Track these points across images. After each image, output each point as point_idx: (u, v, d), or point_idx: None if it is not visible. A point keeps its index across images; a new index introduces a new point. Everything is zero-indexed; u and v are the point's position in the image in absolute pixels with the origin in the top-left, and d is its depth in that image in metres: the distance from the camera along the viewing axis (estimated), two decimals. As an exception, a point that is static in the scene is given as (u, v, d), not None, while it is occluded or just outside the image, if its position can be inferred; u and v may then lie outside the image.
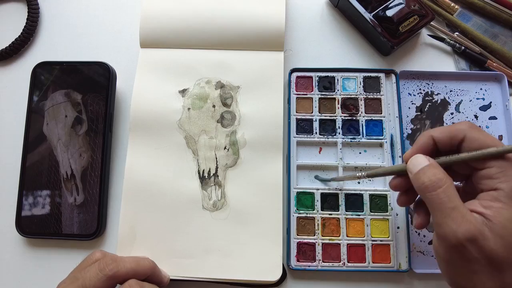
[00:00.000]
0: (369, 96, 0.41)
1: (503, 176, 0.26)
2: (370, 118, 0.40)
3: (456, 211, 0.25)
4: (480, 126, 0.41)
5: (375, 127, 0.40)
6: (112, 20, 0.46)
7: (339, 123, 0.40)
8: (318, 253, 0.37)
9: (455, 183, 0.28)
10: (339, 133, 0.40)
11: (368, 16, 0.41)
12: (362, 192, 0.38)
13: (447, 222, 0.25)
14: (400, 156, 0.39)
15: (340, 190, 0.39)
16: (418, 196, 0.31)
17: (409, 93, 0.42)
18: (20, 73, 0.44)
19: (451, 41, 0.44)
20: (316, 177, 0.39)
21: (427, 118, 0.41)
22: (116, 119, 0.42)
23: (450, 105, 0.42)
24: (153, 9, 0.42)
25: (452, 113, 0.42)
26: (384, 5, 0.41)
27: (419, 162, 0.28)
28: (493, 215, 0.25)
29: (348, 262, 0.37)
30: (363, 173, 0.34)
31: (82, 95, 0.41)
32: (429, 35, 0.44)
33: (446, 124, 0.41)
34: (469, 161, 0.28)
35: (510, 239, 0.25)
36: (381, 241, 0.37)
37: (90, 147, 0.40)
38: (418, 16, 0.41)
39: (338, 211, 0.38)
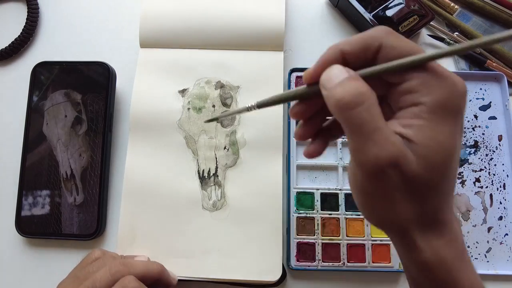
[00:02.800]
0: (369, 96, 0.41)
1: (425, 88, 0.21)
2: (370, 118, 0.40)
3: (378, 132, 0.21)
4: (479, 126, 0.41)
5: (375, 127, 0.40)
6: (112, 20, 0.46)
7: (339, 123, 0.40)
8: (318, 253, 0.37)
9: None
10: (339, 133, 0.40)
11: (368, 16, 0.41)
12: (362, 192, 0.38)
13: (367, 146, 0.21)
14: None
15: (340, 190, 0.39)
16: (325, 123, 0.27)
17: (409, 93, 0.42)
18: (20, 73, 0.44)
19: (451, 41, 0.44)
20: (206, 121, 0.34)
21: (427, 118, 0.41)
22: (116, 119, 0.42)
23: (450, 105, 0.42)
24: (153, 9, 0.42)
25: (452, 113, 0.42)
26: (384, 5, 0.41)
27: (336, 75, 0.22)
28: (414, 134, 0.21)
29: (348, 262, 0.37)
30: (254, 104, 0.27)
31: (82, 95, 0.41)
32: (429, 35, 0.44)
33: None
34: (386, 73, 0.22)
35: (433, 160, 0.21)
36: (381, 241, 0.37)
37: (90, 147, 0.40)
38: (418, 16, 0.41)
39: (338, 211, 0.38)
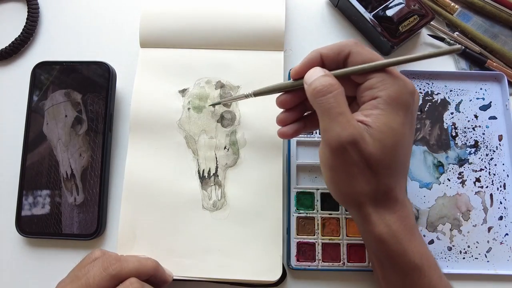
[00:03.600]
0: (369, 96, 0.41)
1: (382, 85, 0.28)
2: (370, 118, 0.40)
3: (342, 116, 0.27)
4: (480, 126, 0.41)
5: (375, 127, 0.40)
6: (112, 20, 0.46)
7: (339, 123, 0.40)
8: (318, 253, 0.37)
9: None
10: (339, 133, 0.40)
11: (368, 16, 0.41)
12: (362, 192, 0.38)
13: (333, 127, 0.27)
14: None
15: (340, 190, 0.39)
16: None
17: (409, 93, 0.42)
18: (20, 73, 0.44)
19: (451, 41, 0.44)
20: (210, 105, 0.40)
21: (427, 117, 0.41)
22: (116, 119, 0.42)
23: (450, 104, 0.42)
24: (153, 9, 0.42)
25: (452, 113, 0.42)
26: (384, 5, 0.41)
27: (316, 73, 0.29)
28: (372, 121, 0.27)
29: (348, 262, 0.37)
30: (251, 92, 0.34)
31: (82, 95, 0.41)
32: (429, 35, 0.44)
33: (446, 124, 0.41)
34: (354, 74, 0.29)
35: (386, 142, 0.27)
36: (381, 241, 0.37)
37: (90, 147, 0.40)
38: (418, 16, 0.41)
39: (338, 211, 0.38)
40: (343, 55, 0.29)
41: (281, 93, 0.33)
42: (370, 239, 0.29)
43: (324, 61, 0.30)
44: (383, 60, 0.29)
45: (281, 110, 0.34)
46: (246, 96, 0.34)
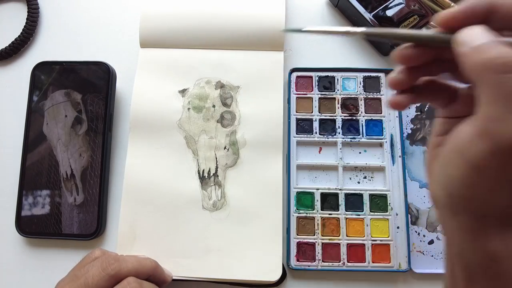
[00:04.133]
0: (369, 96, 0.41)
1: None
2: (370, 118, 0.40)
3: None
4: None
5: (375, 127, 0.40)
6: (112, 20, 0.46)
7: (339, 123, 0.40)
8: (318, 253, 0.37)
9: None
10: (339, 133, 0.40)
11: (368, 16, 0.41)
12: (362, 192, 0.38)
13: (510, 118, 0.18)
14: (400, 156, 0.39)
15: (340, 190, 0.39)
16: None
17: (409, 93, 0.42)
18: (20, 73, 0.44)
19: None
20: (286, 30, 0.32)
21: (427, 118, 0.41)
22: (116, 119, 0.42)
23: (450, 105, 0.42)
24: (153, 9, 0.42)
25: (452, 113, 0.42)
26: (384, 5, 0.41)
27: (479, 36, 0.19)
28: None
29: (348, 262, 0.37)
30: (360, 30, 0.23)
31: (82, 95, 0.41)
32: (429, 35, 0.44)
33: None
34: None
35: None
36: (381, 241, 0.37)
37: (90, 147, 0.40)
38: (418, 16, 0.41)
39: (338, 211, 0.38)
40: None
41: (405, 46, 0.23)
42: (472, 255, 0.22)
43: (492, 18, 0.20)
44: None
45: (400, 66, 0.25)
46: (352, 33, 0.23)
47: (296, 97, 0.41)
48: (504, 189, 0.20)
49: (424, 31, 0.22)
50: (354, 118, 0.41)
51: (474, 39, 0.19)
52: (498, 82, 0.18)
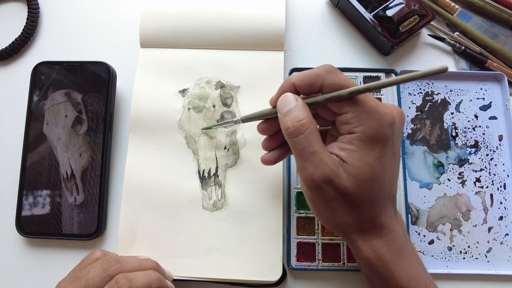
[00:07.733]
0: (369, 96, 0.41)
1: (357, 121, 0.27)
2: (370, 118, 0.40)
3: (314, 155, 0.27)
4: (480, 126, 0.41)
5: (375, 127, 0.40)
6: (112, 20, 0.46)
7: (339, 123, 0.40)
8: (318, 253, 0.37)
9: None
10: (339, 133, 0.40)
11: (368, 16, 0.41)
12: (362, 192, 0.38)
13: (306, 166, 0.27)
14: (400, 156, 0.39)
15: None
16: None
17: (409, 93, 0.42)
18: (20, 73, 0.44)
19: (451, 41, 0.44)
20: (203, 129, 0.40)
21: (427, 118, 0.41)
22: (116, 119, 0.42)
23: (450, 105, 0.42)
24: (153, 9, 0.42)
25: (452, 113, 0.42)
26: (384, 5, 0.41)
27: (289, 101, 0.28)
28: (346, 156, 0.27)
29: (348, 262, 0.37)
30: (239, 119, 0.34)
31: (82, 95, 0.41)
32: (429, 35, 0.44)
33: (447, 124, 0.41)
34: (327, 103, 0.28)
35: (361, 177, 0.27)
36: (381, 241, 0.37)
37: (90, 147, 0.40)
38: (418, 16, 0.41)
39: (338, 211, 0.38)
40: (317, 87, 0.28)
41: (261, 121, 0.33)
42: (360, 262, 0.30)
43: (299, 91, 0.29)
44: (349, 88, 0.27)
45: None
46: (236, 122, 0.34)
47: (296, 97, 0.41)
48: (332, 211, 0.28)
49: (266, 109, 0.32)
50: (354, 118, 0.40)
51: (284, 105, 0.28)
52: (292, 144, 0.28)
